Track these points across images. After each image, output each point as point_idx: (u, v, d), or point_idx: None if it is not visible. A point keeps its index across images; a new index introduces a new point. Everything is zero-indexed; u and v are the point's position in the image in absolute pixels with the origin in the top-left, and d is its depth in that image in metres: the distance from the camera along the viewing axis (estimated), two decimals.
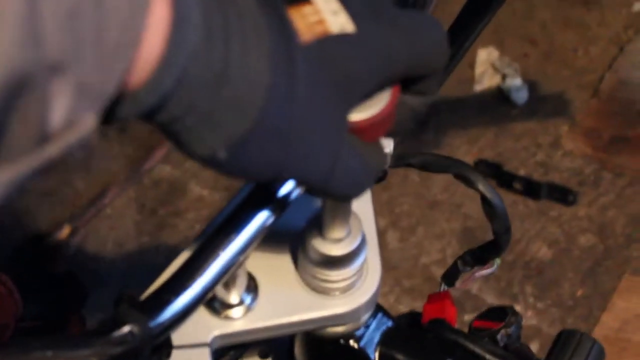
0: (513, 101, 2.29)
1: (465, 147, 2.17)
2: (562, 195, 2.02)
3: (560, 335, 0.78)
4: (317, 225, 0.65)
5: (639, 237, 2.01)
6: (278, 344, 0.92)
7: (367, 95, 0.50)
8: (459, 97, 2.32)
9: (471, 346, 0.77)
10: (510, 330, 0.90)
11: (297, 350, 0.83)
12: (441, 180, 2.11)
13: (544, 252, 1.99)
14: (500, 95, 2.32)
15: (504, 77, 2.33)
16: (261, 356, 0.93)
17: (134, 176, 2.24)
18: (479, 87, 2.35)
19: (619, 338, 1.78)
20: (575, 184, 2.10)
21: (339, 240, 0.65)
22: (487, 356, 0.76)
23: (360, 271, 0.68)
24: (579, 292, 1.91)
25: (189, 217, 2.15)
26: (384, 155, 0.54)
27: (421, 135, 2.21)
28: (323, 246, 0.65)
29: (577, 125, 2.24)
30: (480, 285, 1.87)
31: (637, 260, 1.96)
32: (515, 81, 2.30)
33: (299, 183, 0.56)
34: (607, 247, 1.99)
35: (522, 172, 2.08)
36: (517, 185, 2.02)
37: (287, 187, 0.64)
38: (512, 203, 2.04)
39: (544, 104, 2.30)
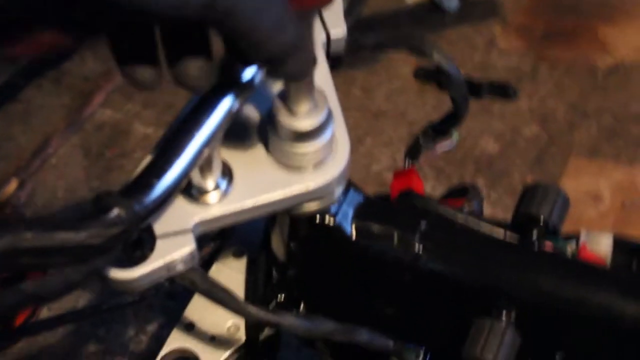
0: (445, 9, 2.31)
1: (402, 57, 2.19)
2: (503, 91, 2.03)
3: (526, 189, 0.80)
4: (283, 102, 0.66)
5: (579, 122, 2.06)
6: (252, 242, 0.93)
7: None
8: (391, 11, 2.33)
9: (443, 210, 0.79)
10: (473, 204, 0.93)
11: (274, 241, 0.84)
12: (383, 91, 2.13)
13: (491, 145, 2.02)
14: (431, 5, 2.34)
15: None
16: (236, 255, 0.94)
17: (75, 123, 2.22)
18: (410, 0, 2.36)
19: (571, 216, 1.82)
20: (514, 79, 2.14)
21: (306, 114, 0.66)
22: (459, 217, 0.78)
23: (329, 145, 0.69)
24: (529, 179, 1.96)
25: (136, 156, 2.14)
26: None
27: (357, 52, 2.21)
28: (291, 121, 0.66)
29: (509, 24, 2.27)
30: (433, 184, 1.91)
31: (580, 143, 2.01)
32: None
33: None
34: (550, 134, 2.04)
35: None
36: None
37: (250, 72, 0.66)
38: None
39: (475, 8, 2.32)
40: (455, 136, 0.89)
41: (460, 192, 0.94)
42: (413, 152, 0.89)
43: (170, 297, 1.71)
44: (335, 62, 0.82)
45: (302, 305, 0.86)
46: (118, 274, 0.63)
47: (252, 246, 0.93)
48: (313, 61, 0.57)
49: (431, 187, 1.91)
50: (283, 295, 0.86)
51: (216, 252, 0.89)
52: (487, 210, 1.92)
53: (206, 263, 0.90)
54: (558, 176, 1.95)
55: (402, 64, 2.16)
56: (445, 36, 2.25)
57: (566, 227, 1.75)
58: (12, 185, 2.10)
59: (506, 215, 1.85)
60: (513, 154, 2.01)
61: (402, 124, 2.05)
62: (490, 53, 2.21)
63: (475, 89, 1.74)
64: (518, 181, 1.96)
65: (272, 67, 0.56)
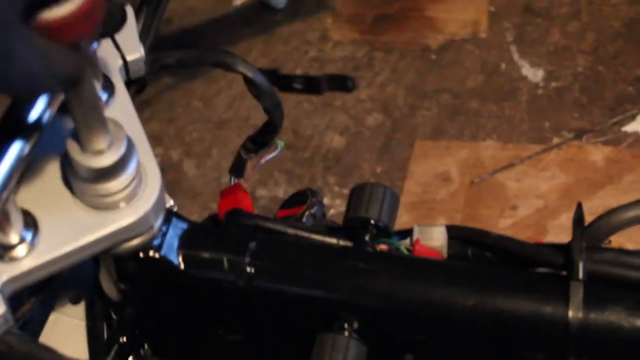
0: (274, 6, 2.29)
1: None
2: (342, 83, 2.04)
3: (352, 192, 0.78)
4: (76, 141, 0.62)
5: (420, 104, 2.08)
6: (87, 286, 0.89)
7: None
8: (220, 16, 2.30)
9: (271, 225, 0.76)
10: (314, 210, 0.91)
11: (104, 283, 0.79)
12: (224, 99, 2.10)
13: (337, 140, 2.02)
14: (260, 5, 2.32)
15: None
16: (73, 302, 0.89)
17: None
18: (238, 2, 2.33)
19: (424, 200, 1.85)
20: (351, 70, 2.15)
21: (103, 150, 0.62)
22: (289, 230, 0.76)
23: (137, 177, 0.66)
24: (378, 169, 1.96)
25: None
26: (76, 59, 0.51)
27: (159, 73, 2.17)
28: (89, 160, 0.62)
29: (339, 15, 2.27)
30: (286, 188, 1.89)
31: (423, 125, 2.04)
32: None
33: None
34: (394, 120, 2.05)
35: (299, 72, 2.09)
36: (297, 85, 2.02)
37: (37, 111, 0.61)
38: (296, 104, 2.06)
39: (304, 3, 2.32)
40: (279, 144, 0.86)
41: (299, 199, 0.92)
42: (237, 168, 0.86)
43: None
44: (139, 86, 0.78)
45: (146, 345, 0.82)
46: None
47: (88, 288, 0.89)
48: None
49: (284, 192, 1.89)
50: (125, 337, 0.82)
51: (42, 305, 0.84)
52: (341, 208, 1.91)
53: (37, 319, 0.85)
54: (406, 161, 1.96)
55: None
56: (277, 34, 2.24)
57: (420, 213, 1.76)
58: None
59: None
60: (360, 146, 2.01)
61: (246, 130, 2.02)
62: (325, 46, 2.21)
63: (314, 85, 1.74)
64: (368, 173, 1.96)
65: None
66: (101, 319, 0.83)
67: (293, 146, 2.00)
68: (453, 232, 0.76)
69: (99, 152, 0.62)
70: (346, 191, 1.93)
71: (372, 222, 0.75)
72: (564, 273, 0.67)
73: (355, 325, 0.70)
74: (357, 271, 0.71)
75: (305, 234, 0.76)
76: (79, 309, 0.88)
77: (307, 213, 0.90)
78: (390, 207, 0.77)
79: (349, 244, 0.75)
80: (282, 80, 2.25)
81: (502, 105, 2.05)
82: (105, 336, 0.83)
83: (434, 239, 0.75)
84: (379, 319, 0.71)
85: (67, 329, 0.87)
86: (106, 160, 0.62)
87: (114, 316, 0.83)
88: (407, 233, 0.77)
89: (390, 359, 0.74)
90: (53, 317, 0.88)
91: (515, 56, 2.14)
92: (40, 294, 0.81)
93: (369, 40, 2.21)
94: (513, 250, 0.72)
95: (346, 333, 0.69)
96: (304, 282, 0.72)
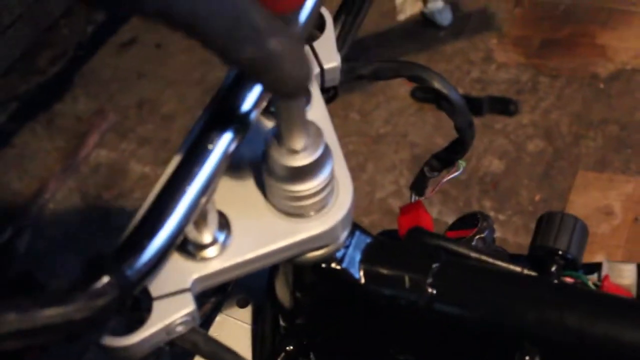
0: (438, 23, 2.27)
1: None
2: (504, 106, 2.02)
3: (541, 219, 0.76)
4: (276, 139, 0.62)
5: (585, 134, 2.02)
6: (257, 291, 0.89)
7: None
8: (384, 30, 2.30)
9: (455, 247, 0.74)
10: (484, 234, 0.89)
11: (279, 289, 0.79)
12: (382, 114, 2.09)
13: (496, 164, 1.98)
14: (424, 21, 2.31)
15: (425, 1, 2.31)
16: (240, 305, 0.90)
17: (71, 166, 2.18)
18: (402, 17, 2.33)
19: None
20: (514, 93, 2.10)
21: (300, 150, 0.62)
22: (472, 254, 0.74)
23: (330, 187, 0.65)
24: (537, 197, 1.91)
25: (135, 196, 2.10)
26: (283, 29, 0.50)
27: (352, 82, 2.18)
28: (285, 158, 0.62)
29: (505, 36, 2.24)
30: (440, 209, 1.86)
31: (587, 155, 1.97)
32: (437, 3, 2.29)
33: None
34: (556, 148, 2.00)
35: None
36: None
37: (246, 106, 0.62)
38: None
39: (469, 21, 2.29)
40: (461, 164, 0.85)
41: (469, 221, 0.90)
42: (418, 185, 0.85)
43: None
44: (330, 95, 0.78)
45: (312, 355, 0.82)
46: (114, 341, 0.59)
47: (257, 293, 0.90)
48: (306, 76, 0.51)
49: (438, 212, 1.86)
50: (292, 345, 0.82)
51: (217, 306, 0.85)
52: (497, 234, 1.87)
53: (207, 318, 0.86)
54: (566, 192, 1.90)
55: (399, 85, 2.12)
56: (440, 51, 2.22)
57: None
58: (8, 233, 2.06)
59: (516, 238, 1.81)
60: (519, 172, 1.97)
61: (404, 147, 2.01)
62: (488, 67, 2.17)
63: (475, 106, 1.72)
64: (526, 200, 1.91)
65: (257, 75, 0.50)
66: (269, 325, 0.84)
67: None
68: None
69: (297, 152, 0.61)
70: (502, 217, 1.89)
71: (560, 252, 0.73)
72: None
73: (537, 359, 0.68)
74: (544, 302, 0.69)
75: (490, 260, 0.74)
76: (246, 313, 0.89)
77: (477, 236, 0.88)
78: (580, 240, 0.74)
79: (533, 273, 0.73)
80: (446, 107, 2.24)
81: None
82: (272, 342, 0.84)
83: (624, 276, 0.72)
84: (563, 354, 0.68)
85: (233, 330, 0.88)
86: (303, 159, 0.61)
87: (282, 323, 0.83)
88: (594, 267, 0.75)
89: None
90: (220, 318, 0.89)
91: None
92: (220, 295, 0.82)
93: (535, 64, 2.16)
94: None
95: None
96: (488, 309, 0.70)
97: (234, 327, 0.88)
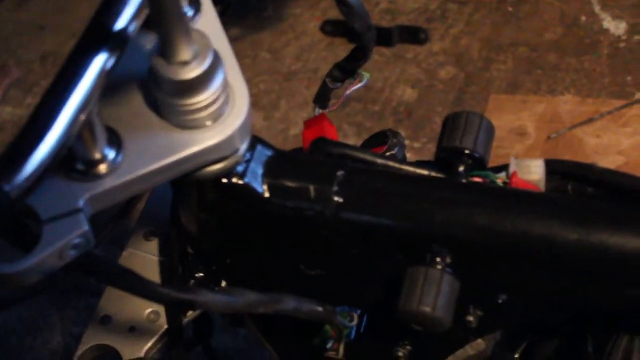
0: None
1: (307, 13, 2.13)
2: (414, 35, 2.00)
3: (447, 119, 0.74)
4: (161, 53, 0.59)
5: (495, 57, 2.02)
6: (163, 223, 0.87)
7: None
8: None
9: (360, 154, 0.73)
10: (395, 150, 0.87)
11: (183, 213, 0.77)
12: (292, 50, 2.06)
13: (409, 93, 1.98)
14: None
15: None
16: (147, 237, 0.87)
17: None
18: None
19: (498, 155, 1.79)
20: (423, 22, 2.09)
21: (188, 61, 0.59)
22: (379, 160, 0.72)
23: (224, 95, 0.62)
24: None
25: None
26: None
27: (262, 12, 2.14)
28: (174, 72, 0.59)
29: None
30: (355, 141, 1.85)
31: (499, 79, 1.98)
32: None
33: None
34: (467, 73, 2.00)
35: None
36: None
37: (122, 22, 0.59)
38: None
39: None
40: (365, 75, 0.82)
41: (380, 139, 0.88)
42: (321, 97, 0.82)
43: (95, 295, 1.63)
44: (223, 6, 0.75)
45: (222, 281, 0.79)
46: (3, 268, 0.56)
47: (162, 225, 0.87)
48: None
49: (352, 144, 1.85)
50: (201, 272, 0.79)
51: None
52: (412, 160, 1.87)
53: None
54: None
55: (308, 20, 2.10)
56: None
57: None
58: None
59: None
60: (432, 99, 1.96)
61: (315, 82, 1.98)
62: None
63: (385, 36, 1.69)
64: (440, 126, 1.91)
65: None
66: (177, 254, 0.81)
67: (363, 99, 1.95)
68: (552, 165, 0.72)
69: (184, 64, 0.59)
70: (417, 145, 1.89)
71: (467, 152, 0.71)
72: None
73: (448, 259, 0.66)
74: (451, 203, 0.68)
75: (396, 165, 0.72)
76: (153, 245, 0.86)
77: (387, 153, 0.86)
78: (487, 138, 0.73)
79: (441, 175, 0.72)
80: (351, 31, 2.20)
81: (582, 58, 1.98)
82: (182, 272, 0.81)
83: (532, 172, 0.71)
84: (473, 253, 0.67)
85: (140, 263, 0.85)
86: (191, 71, 0.59)
87: (190, 251, 0.80)
88: (502, 168, 0.73)
89: (481, 300, 0.70)
90: (126, 253, 0.86)
91: (596, 8, 2.06)
92: (118, 221, 0.79)
93: None
94: (620, 184, 0.67)
95: (439, 267, 0.66)
96: (396, 213, 0.68)
97: (141, 261, 0.85)
